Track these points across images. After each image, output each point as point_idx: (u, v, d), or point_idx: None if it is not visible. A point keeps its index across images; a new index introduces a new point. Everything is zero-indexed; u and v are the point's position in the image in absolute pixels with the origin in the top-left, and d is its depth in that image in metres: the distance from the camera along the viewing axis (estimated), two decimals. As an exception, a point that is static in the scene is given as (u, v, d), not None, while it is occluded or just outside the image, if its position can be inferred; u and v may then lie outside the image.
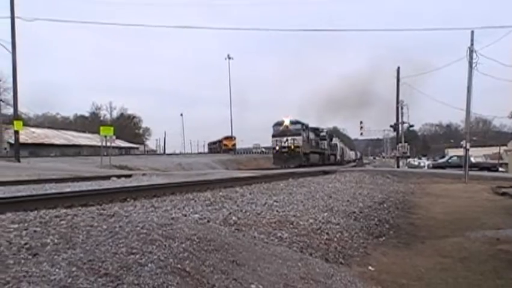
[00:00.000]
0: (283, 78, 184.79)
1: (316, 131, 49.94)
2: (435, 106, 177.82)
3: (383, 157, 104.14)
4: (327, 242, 7.64)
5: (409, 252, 8.38)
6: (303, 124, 43.79)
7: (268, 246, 6.31)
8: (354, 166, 53.28)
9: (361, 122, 67.99)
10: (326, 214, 9.66)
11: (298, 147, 41.44)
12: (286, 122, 43.00)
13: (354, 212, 10.80)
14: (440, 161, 59.80)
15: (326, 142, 53.57)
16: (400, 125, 56.25)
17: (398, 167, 51.97)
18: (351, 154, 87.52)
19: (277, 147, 42.73)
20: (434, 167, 51.33)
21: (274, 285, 4.72)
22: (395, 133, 59.77)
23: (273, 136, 43.69)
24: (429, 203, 14.97)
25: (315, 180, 18.08)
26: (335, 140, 64.24)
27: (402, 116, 55.57)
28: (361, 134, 70.34)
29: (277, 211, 9.00)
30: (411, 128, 62.39)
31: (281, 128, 43.05)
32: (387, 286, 6.24)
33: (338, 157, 63.19)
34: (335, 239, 7.98)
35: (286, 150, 41.78)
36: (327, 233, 8.12)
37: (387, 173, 26.49)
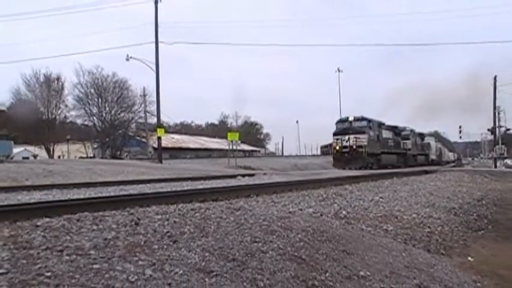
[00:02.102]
0: (388, 87, 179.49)
1: (395, 129, 40.77)
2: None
3: (481, 158, 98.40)
4: (429, 235, 7.40)
5: (507, 245, 7.97)
6: (370, 121, 34.96)
7: (374, 237, 6.20)
8: (454, 166, 48.66)
9: (460, 127, 65.38)
10: (427, 209, 9.34)
11: (361, 146, 32.51)
12: (350, 119, 34.69)
13: (454, 208, 10.33)
14: (537, 161, 55.91)
15: (409, 142, 43.99)
16: (497, 129, 53.80)
17: (495, 167, 48.79)
18: (450, 155, 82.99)
19: (337, 147, 33.99)
20: (531, 167, 47.60)
21: (380, 273, 4.63)
22: (492, 136, 56.81)
23: (334, 134, 34.77)
24: (526, 200, 13.98)
25: (418, 179, 17.48)
26: (428, 140, 55.03)
27: (499, 120, 53.17)
28: (460, 137, 67.53)
29: (383, 206, 8.81)
30: (508, 132, 59.16)
31: (344, 125, 34.65)
32: (486, 276, 5.93)
33: (433, 157, 54.38)
34: (436, 232, 7.69)
35: (347, 150, 33.11)
36: (429, 227, 7.85)
37: (485, 172, 25.02)
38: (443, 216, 9.11)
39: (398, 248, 5.95)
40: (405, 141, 43.12)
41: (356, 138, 32.78)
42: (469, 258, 6.80)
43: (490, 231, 9.10)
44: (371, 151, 33.33)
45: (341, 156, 33.50)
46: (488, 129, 56.92)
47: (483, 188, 16.28)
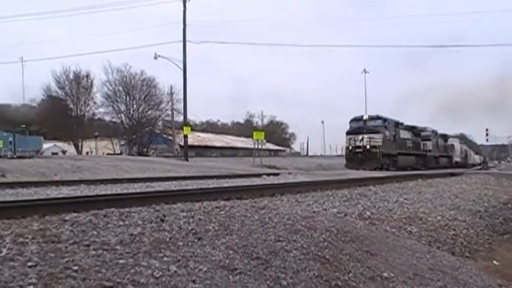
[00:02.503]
0: (410, 88, 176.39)
1: (414, 129, 38.49)
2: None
3: (508, 161, 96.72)
4: (453, 237, 7.27)
5: (534, 250, 7.77)
6: (385, 120, 32.79)
7: (398, 239, 6.13)
8: (480, 169, 47.00)
9: (487, 129, 64.61)
10: (452, 212, 9.18)
11: (375, 147, 30.44)
12: (365, 117, 32.95)
13: (480, 211, 10.13)
14: None
15: (430, 143, 41.61)
16: (524, 132, 52.74)
17: (522, 170, 47.66)
18: (476, 158, 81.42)
19: (350, 147, 31.98)
20: (559, 170, 45.98)
21: (404, 274, 4.59)
22: (520, 139, 55.78)
23: (347, 133, 32.90)
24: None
25: (443, 181, 17.20)
26: (452, 141, 52.17)
27: (526, 124, 52.15)
28: (487, 140, 66.68)
29: (407, 208, 8.70)
30: (536, 135, 58.11)
31: (358, 124, 32.74)
32: (511, 280, 5.82)
33: (457, 159, 51.49)
34: (461, 235, 7.56)
35: (360, 150, 31.11)
36: (454, 229, 7.71)
37: (512, 175, 24.55)
38: (468, 219, 8.95)
39: (422, 250, 5.88)
40: (425, 142, 40.93)
41: (370, 138, 30.95)
42: (494, 261, 6.68)
43: (516, 235, 8.93)
44: (386, 151, 31.39)
45: (354, 156, 31.66)
46: (516, 133, 56.06)
47: (509, 192, 15.95)
